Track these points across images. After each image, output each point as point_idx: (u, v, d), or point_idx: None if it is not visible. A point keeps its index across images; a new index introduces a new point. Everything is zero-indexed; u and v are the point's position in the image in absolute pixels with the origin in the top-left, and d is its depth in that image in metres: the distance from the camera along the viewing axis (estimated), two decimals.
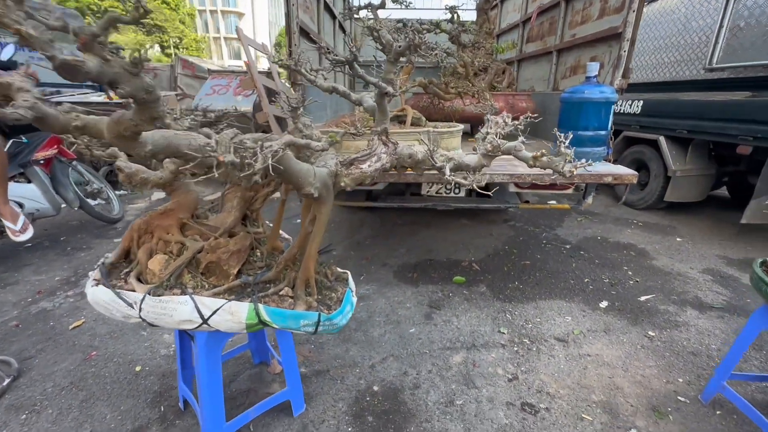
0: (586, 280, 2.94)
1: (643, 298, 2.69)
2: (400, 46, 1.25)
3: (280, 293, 1.24)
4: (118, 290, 1.18)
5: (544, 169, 1.00)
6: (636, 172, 2.36)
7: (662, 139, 4.17)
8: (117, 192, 4.75)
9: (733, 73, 3.42)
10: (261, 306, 1.18)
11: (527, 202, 3.07)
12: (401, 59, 1.35)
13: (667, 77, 4.19)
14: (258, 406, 1.55)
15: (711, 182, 4.20)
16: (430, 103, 2.72)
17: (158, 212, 1.33)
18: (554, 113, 3.51)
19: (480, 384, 1.89)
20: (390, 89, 1.27)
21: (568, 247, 3.56)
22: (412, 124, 2.50)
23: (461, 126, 2.40)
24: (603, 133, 2.51)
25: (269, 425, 1.62)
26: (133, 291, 1.18)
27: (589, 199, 2.77)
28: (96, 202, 3.70)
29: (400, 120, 2.45)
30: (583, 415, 1.71)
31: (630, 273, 3.07)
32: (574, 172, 0.92)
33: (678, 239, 3.79)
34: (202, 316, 1.16)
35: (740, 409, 1.64)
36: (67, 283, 2.74)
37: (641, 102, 4.46)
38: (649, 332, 2.31)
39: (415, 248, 3.41)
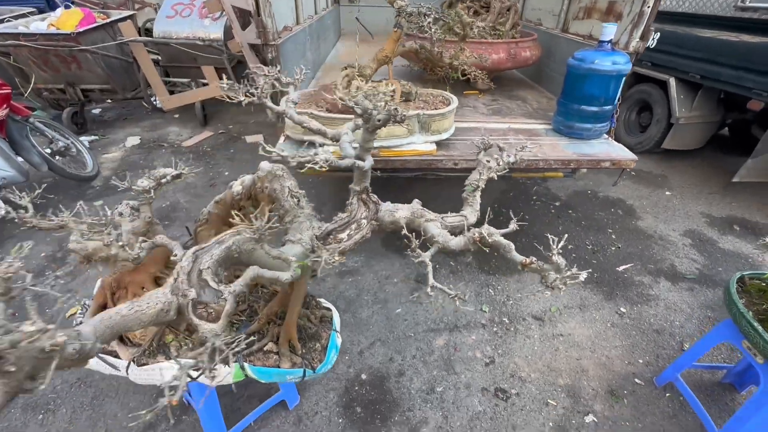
0: (570, 246, 3.01)
1: (621, 268, 2.80)
2: (379, 119, 1.05)
3: (264, 349, 1.26)
4: (101, 355, 1.18)
5: (533, 272, 0.94)
6: (636, 157, 2.25)
7: (672, 81, 3.86)
8: (86, 138, 4.45)
9: (764, 14, 3.02)
10: (247, 365, 1.21)
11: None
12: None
13: (691, 8, 3.70)
14: (256, 411, 1.70)
15: (714, 130, 4.04)
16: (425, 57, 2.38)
17: (129, 270, 1.26)
18: (559, 61, 3.19)
19: (459, 369, 2.06)
20: (366, 164, 1.10)
21: (557, 204, 3.55)
22: (403, 99, 2.26)
23: (454, 104, 2.17)
24: (608, 108, 2.30)
25: (267, 418, 1.81)
26: (116, 356, 1.19)
27: (583, 170, 2.67)
28: (66, 159, 3.47)
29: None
30: (548, 401, 1.92)
31: (614, 237, 3.13)
32: (561, 287, 0.87)
33: (667, 193, 3.79)
34: (191, 377, 1.19)
35: (687, 399, 1.85)
36: (53, 261, 2.73)
37: (657, 34, 4.00)
38: (621, 308, 2.47)
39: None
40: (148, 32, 5.60)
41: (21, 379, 0.54)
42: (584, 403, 1.92)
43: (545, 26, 3.52)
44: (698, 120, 3.91)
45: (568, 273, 0.83)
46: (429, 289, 0.91)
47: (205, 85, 4.79)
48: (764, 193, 3.68)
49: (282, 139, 2.35)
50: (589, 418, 1.85)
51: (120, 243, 0.97)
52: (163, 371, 1.18)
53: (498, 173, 1.27)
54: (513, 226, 0.93)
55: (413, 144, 2.18)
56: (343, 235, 1.13)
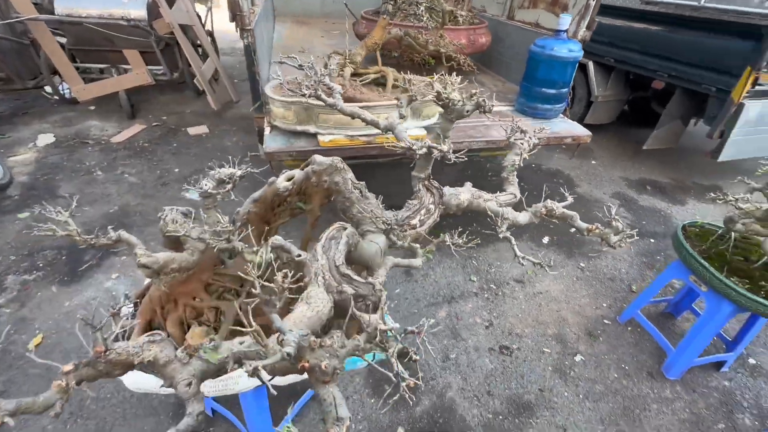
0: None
1: (573, 229, 3.24)
2: (467, 110, 1.10)
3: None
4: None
5: (597, 237, 1.11)
6: (590, 133, 2.60)
7: (591, 65, 4.43)
8: None
9: (663, 8, 3.62)
10: None
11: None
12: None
13: (609, 1, 4.25)
14: (297, 406, 1.70)
15: (622, 106, 4.75)
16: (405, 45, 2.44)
17: (178, 280, 1.17)
18: (509, 46, 3.46)
19: (465, 336, 2.26)
20: (445, 147, 1.16)
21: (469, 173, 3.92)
22: (381, 84, 2.30)
23: None
24: (565, 90, 2.61)
25: (302, 414, 1.81)
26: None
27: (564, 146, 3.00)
28: None
29: (378, 83, 2.22)
30: (543, 349, 2.22)
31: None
32: (622, 245, 1.06)
33: (593, 162, 4.40)
34: (264, 382, 1.17)
35: (646, 329, 2.28)
36: None
37: None
38: (581, 264, 2.88)
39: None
40: (40, 7, 4.69)
41: None
42: (571, 347, 2.25)
43: (490, 13, 3.77)
44: (611, 98, 4.56)
45: (627, 233, 1.01)
46: (519, 260, 1.03)
47: (127, 72, 4.23)
48: (665, 158, 4.48)
49: (268, 130, 2.25)
50: (578, 358, 2.19)
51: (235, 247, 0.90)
52: (237, 383, 1.15)
53: (528, 153, 1.43)
54: (570, 199, 1.08)
55: (409, 130, 2.25)
56: (415, 221, 1.19)
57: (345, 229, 0.92)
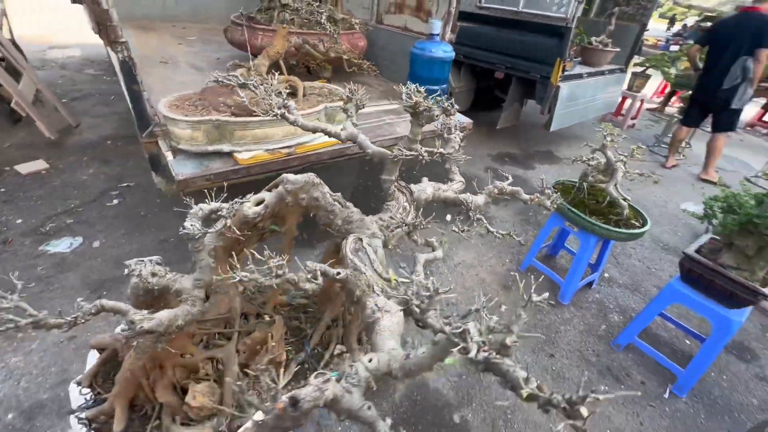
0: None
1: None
2: (436, 115, 1.21)
3: (335, 353, 1.29)
4: None
5: (539, 205, 1.39)
6: (471, 120, 3.06)
7: None
8: None
9: (492, 12, 4.41)
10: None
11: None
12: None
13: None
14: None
15: (473, 95, 5.61)
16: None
17: (164, 345, 1.01)
18: (382, 47, 3.74)
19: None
20: (419, 148, 1.25)
21: (403, 168, 4.27)
22: (291, 94, 2.27)
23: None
24: (445, 86, 3.00)
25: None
26: None
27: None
28: None
29: (289, 93, 2.17)
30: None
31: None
32: (553, 207, 1.36)
33: (463, 144, 5.11)
34: None
35: (541, 270, 2.86)
36: None
37: None
38: (480, 232, 3.38)
39: None
40: None
41: None
42: (495, 301, 2.67)
43: (358, 17, 3.99)
44: (464, 89, 5.34)
45: (554, 197, 1.32)
46: (495, 234, 1.23)
47: None
48: (513, 133, 5.49)
49: (170, 156, 2.00)
50: (503, 308, 2.61)
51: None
52: None
53: (460, 144, 1.65)
54: (510, 179, 1.34)
55: (324, 136, 2.28)
56: (398, 219, 1.28)
57: (361, 240, 0.96)
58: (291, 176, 1.23)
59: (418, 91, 1.21)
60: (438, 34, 2.83)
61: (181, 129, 1.87)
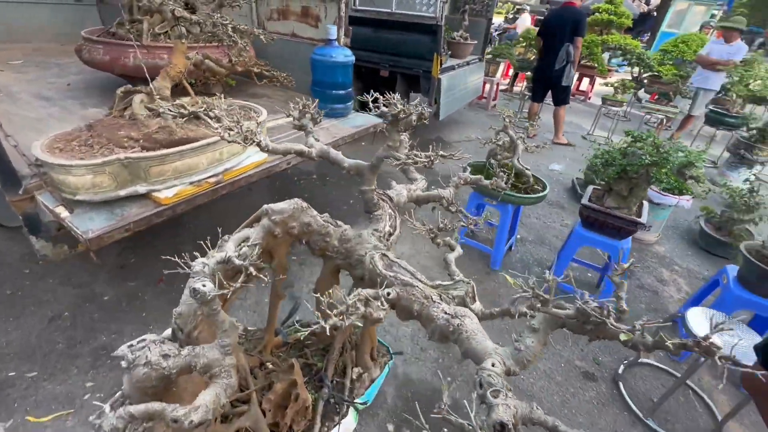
0: (351, 201, 3.79)
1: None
2: (414, 119, 1.20)
3: (353, 377, 1.25)
4: None
5: (496, 188, 1.53)
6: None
7: None
8: None
9: (369, 14, 4.58)
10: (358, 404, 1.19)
11: None
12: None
13: None
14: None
15: (360, 92, 5.76)
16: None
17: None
18: (273, 56, 3.58)
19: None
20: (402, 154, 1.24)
21: (315, 177, 4.19)
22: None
23: (264, 112, 2.21)
24: (351, 89, 3.04)
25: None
26: None
27: None
28: None
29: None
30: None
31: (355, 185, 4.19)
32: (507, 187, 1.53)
33: (362, 144, 5.24)
34: None
35: (471, 245, 3.16)
36: None
37: None
38: (409, 224, 3.56)
39: (201, 228, 2.99)
40: None
41: None
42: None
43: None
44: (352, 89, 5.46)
45: (504, 177, 1.49)
46: (469, 226, 1.33)
47: None
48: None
49: (65, 213, 1.61)
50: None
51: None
52: None
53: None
54: (469, 170, 1.47)
55: (251, 157, 2.10)
56: (388, 229, 1.27)
57: (387, 255, 0.94)
58: (275, 206, 1.13)
59: (397, 100, 1.23)
60: (335, 39, 2.83)
61: (77, 176, 1.51)
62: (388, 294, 0.86)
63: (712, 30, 11.16)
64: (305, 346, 1.40)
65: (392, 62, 4.68)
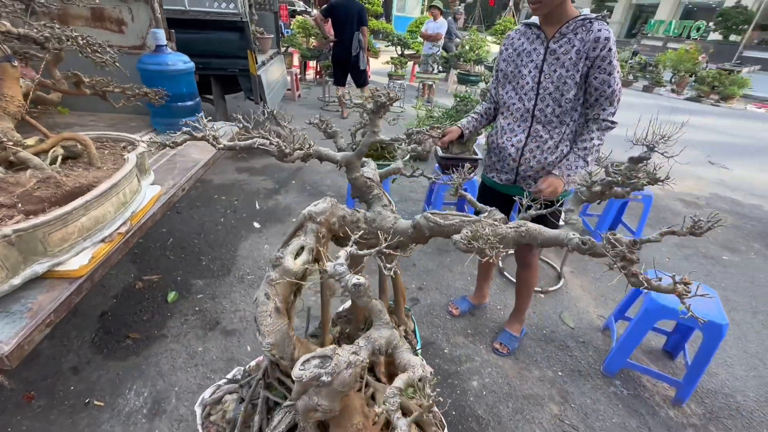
0: (222, 220, 3.47)
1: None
2: (386, 101, 1.29)
3: (402, 335, 1.43)
4: None
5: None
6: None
7: None
8: None
9: (193, 15, 3.96)
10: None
11: None
12: None
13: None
14: None
15: None
16: None
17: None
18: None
19: None
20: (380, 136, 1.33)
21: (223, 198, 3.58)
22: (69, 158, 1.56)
23: (141, 141, 1.84)
24: (198, 100, 2.74)
25: None
26: None
27: None
28: None
29: (66, 157, 1.47)
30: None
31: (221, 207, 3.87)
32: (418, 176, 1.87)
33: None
34: None
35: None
36: None
37: None
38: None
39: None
40: None
41: None
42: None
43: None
44: None
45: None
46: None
47: None
48: None
49: None
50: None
51: None
52: None
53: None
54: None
55: (147, 193, 1.76)
56: (388, 203, 1.43)
57: (433, 213, 1.14)
58: (315, 208, 1.15)
59: (378, 91, 1.35)
60: (165, 45, 2.48)
61: None
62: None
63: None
64: (344, 336, 1.45)
65: (202, 64, 4.26)
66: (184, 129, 1.08)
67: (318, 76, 9.62)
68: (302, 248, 1.09)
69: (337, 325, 1.57)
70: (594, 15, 1.59)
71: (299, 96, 7.82)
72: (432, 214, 1.18)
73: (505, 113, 1.87)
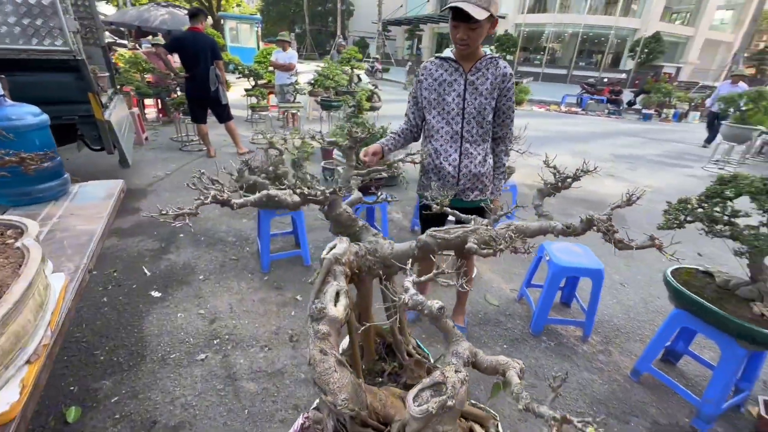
0: (141, 304, 2.80)
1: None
2: (362, 136, 1.26)
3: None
4: None
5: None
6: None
7: None
8: None
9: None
10: None
11: None
12: None
13: None
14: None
15: None
16: None
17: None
18: None
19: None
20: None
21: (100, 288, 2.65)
22: None
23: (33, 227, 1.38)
24: (59, 159, 2.18)
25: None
26: None
27: None
28: None
29: None
30: None
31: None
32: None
33: None
34: None
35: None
36: None
37: None
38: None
39: None
40: None
41: None
42: None
43: None
44: None
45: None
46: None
47: None
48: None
49: None
50: None
51: None
52: None
53: None
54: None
55: (56, 287, 1.34)
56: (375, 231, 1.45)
57: (436, 230, 1.22)
58: (336, 251, 1.11)
59: (355, 129, 1.34)
60: (3, 95, 1.91)
61: None
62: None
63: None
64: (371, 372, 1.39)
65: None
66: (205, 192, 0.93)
67: (161, 115, 8.56)
68: (337, 293, 1.06)
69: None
70: (497, 54, 1.99)
71: (146, 139, 6.81)
72: (435, 231, 1.29)
73: (435, 136, 2.12)
